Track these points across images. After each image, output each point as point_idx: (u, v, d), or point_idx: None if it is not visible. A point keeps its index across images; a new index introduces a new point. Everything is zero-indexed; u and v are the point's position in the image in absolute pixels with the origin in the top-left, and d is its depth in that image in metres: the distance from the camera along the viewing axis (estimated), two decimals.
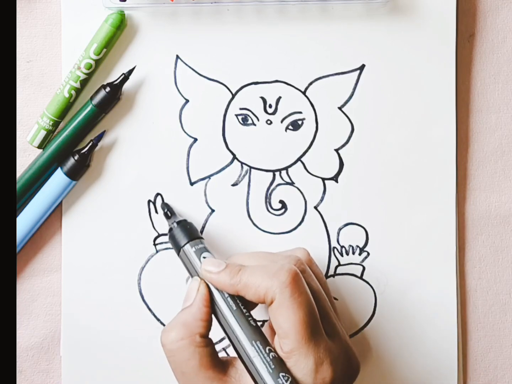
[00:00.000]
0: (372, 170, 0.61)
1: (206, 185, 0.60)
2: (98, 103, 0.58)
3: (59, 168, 0.59)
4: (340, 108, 0.61)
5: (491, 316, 0.62)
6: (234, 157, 0.61)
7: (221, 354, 0.58)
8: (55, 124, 0.59)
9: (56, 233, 0.61)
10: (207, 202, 0.60)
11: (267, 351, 0.50)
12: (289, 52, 0.60)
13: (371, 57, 0.60)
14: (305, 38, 0.60)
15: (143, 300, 0.60)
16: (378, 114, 0.60)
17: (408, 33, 0.60)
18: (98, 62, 0.59)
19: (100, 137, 0.59)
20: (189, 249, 0.55)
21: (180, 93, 0.60)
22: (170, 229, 0.56)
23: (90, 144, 0.59)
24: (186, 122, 0.60)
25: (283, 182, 0.61)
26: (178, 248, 0.55)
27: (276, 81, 0.60)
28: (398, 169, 0.61)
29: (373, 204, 0.61)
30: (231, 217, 0.60)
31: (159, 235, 0.60)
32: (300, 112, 0.60)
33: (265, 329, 0.53)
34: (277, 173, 0.61)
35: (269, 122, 0.60)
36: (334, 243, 0.61)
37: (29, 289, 0.61)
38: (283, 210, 0.61)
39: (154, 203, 0.60)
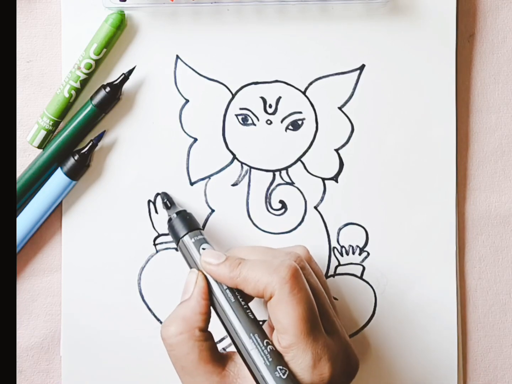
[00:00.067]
0: (372, 170, 0.61)
1: (206, 185, 0.61)
2: (98, 103, 0.58)
3: (59, 168, 0.59)
4: (340, 108, 0.61)
5: (491, 316, 0.62)
6: (234, 157, 0.61)
7: None
8: (55, 124, 0.59)
9: (56, 233, 0.61)
10: (207, 202, 0.60)
11: (265, 344, 0.50)
12: (289, 52, 0.60)
13: (371, 57, 0.60)
14: (305, 38, 0.60)
15: (143, 300, 0.60)
16: (378, 114, 0.60)
17: (408, 33, 0.60)
18: (98, 62, 0.59)
19: (100, 137, 0.59)
20: (188, 240, 0.55)
21: (180, 93, 0.60)
22: (170, 219, 0.56)
23: (90, 144, 0.59)
24: (186, 122, 0.60)
25: (283, 182, 0.61)
26: (177, 239, 0.55)
27: (276, 81, 0.60)
28: (398, 169, 0.61)
29: (373, 204, 0.61)
30: (231, 217, 0.60)
31: (159, 235, 0.60)
32: (300, 112, 0.60)
33: (264, 327, 0.53)
34: (277, 173, 0.61)
35: (269, 122, 0.60)
36: (334, 243, 0.61)
37: (29, 289, 0.61)
38: (283, 210, 0.61)
39: (154, 203, 0.60)
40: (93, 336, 0.60)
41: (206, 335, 0.51)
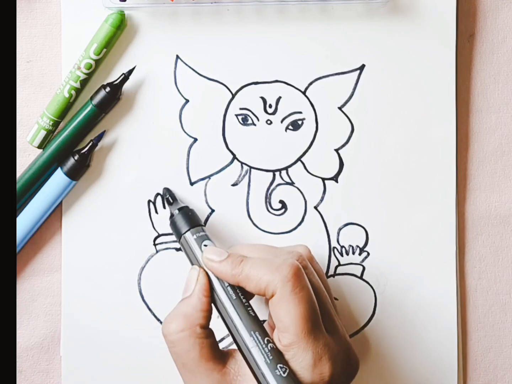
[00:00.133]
0: (372, 170, 0.61)
1: (206, 185, 0.61)
2: (98, 103, 0.58)
3: (59, 168, 0.59)
4: (340, 108, 0.61)
5: (491, 316, 0.62)
6: (234, 157, 0.61)
7: None
8: (55, 124, 0.59)
9: (56, 233, 0.61)
10: (207, 202, 0.60)
11: (266, 341, 0.50)
12: (289, 52, 0.60)
13: (371, 57, 0.60)
14: (305, 38, 0.60)
15: (143, 300, 0.60)
16: (378, 114, 0.60)
17: (408, 33, 0.60)
18: (98, 62, 0.59)
19: (100, 137, 0.59)
20: (190, 236, 0.55)
21: (180, 93, 0.60)
22: (171, 215, 0.56)
23: (90, 144, 0.59)
24: (186, 122, 0.60)
25: (283, 182, 0.61)
26: (178, 235, 0.55)
27: (276, 81, 0.60)
28: (398, 169, 0.61)
29: (373, 204, 0.61)
30: (231, 217, 0.60)
31: (159, 235, 0.60)
32: (300, 112, 0.60)
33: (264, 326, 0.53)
34: (277, 173, 0.61)
35: (269, 122, 0.60)
36: (334, 243, 0.61)
37: (29, 289, 0.61)
38: (283, 210, 0.61)
39: (154, 203, 0.60)
40: (93, 336, 0.60)
41: (207, 332, 0.51)
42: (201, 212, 0.60)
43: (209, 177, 0.61)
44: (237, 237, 0.60)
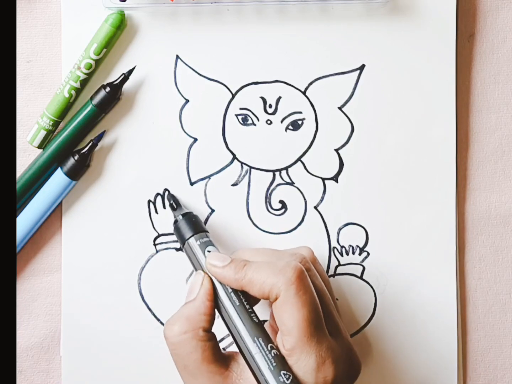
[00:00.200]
0: (372, 170, 0.61)
1: (206, 185, 0.60)
2: (98, 103, 0.58)
3: (59, 168, 0.59)
4: (340, 108, 0.61)
5: (491, 316, 0.62)
6: (234, 157, 0.61)
7: None
8: (55, 124, 0.59)
9: (56, 233, 0.61)
10: (207, 202, 0.60)
11: (269, 348, 0.50)
12: (289, 52, 0.60)
13: (371, 57, 0.60)
14: (305, 38, 0.60)
15: (143, 300, 0.60)
16: (378, 114, 0.60)
17: (408, 33, 0.60)
18: (98, 62, 0.59)
19: (100, 137, 0.59)
20: (193, 242, 0.55)
21: (180, 93, 0.60)
22: (175, 221, 0.56)
23: (90, 144, 0.59)
24: (186, 122, 0.60)
25: (283, 182, 0.61)
26: (182, 240, 0.55)
27: (276, 81, 0.60)
28: (398, 169, 0.61)
29: (373, 204, 0.61)
30: (231, 217, 0.60)
31: (159, 235, 0.60)
32: (300, 112, 0.60)
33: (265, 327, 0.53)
34: (277, 173, 0.61)
35: (269, 122, 0.60)
36: (334, 243, 0.61)
37: (29, 289, 0.61)
38: (283, 210, 0.61)
39: (154, 203, 0.60)
40: (93, 336, 0.60)
41: (210, 336, 0.51)
42: (201, 212, 0.60)
43: (209, 177, 0.61)
44: (237, 237, 0.60)
